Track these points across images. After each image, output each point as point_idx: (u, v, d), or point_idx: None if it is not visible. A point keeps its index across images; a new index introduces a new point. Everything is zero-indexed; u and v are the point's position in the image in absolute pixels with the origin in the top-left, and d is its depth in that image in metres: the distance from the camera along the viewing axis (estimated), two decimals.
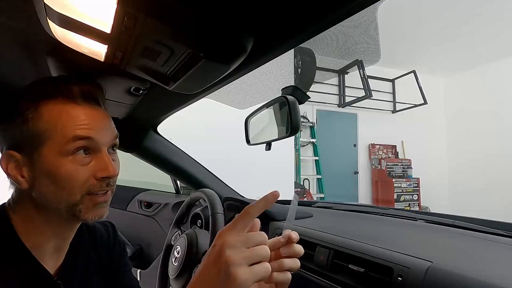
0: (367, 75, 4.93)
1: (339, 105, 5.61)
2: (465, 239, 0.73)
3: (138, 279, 1.58)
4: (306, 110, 5.34)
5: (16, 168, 0.48)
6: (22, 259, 0.49)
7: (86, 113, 0.49)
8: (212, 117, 3.40)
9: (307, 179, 5.22)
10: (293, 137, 3.52)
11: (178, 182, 1.71)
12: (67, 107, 0.48)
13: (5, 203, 0.53)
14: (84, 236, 0.62)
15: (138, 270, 1.60)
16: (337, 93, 5.60)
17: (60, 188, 0.47)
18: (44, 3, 0.34)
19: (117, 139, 0.54)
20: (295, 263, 0.45)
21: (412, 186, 5.59)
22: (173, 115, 0.93)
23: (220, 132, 3.39)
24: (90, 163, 0.48)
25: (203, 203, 1.20)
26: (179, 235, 1.03)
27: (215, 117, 3.42)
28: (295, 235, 0.46)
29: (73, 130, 0.47)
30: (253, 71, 0.52)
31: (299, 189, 4.57)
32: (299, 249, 0.46)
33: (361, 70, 4.90)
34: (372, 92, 4.92)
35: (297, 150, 5.00)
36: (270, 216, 0.96)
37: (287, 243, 0.45)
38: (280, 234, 0.48)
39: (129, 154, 1.10)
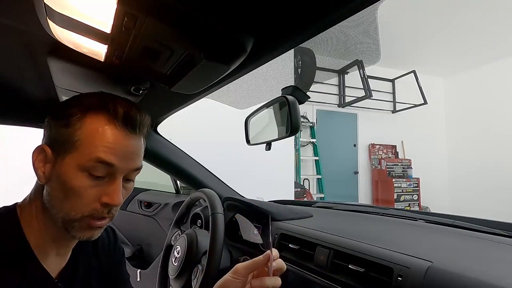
0: (367, 75, 4.92)
1: (339, 105, 5.60)
2: (465, 239, 0.73)
3: (138, 279, 1.58)
4: (306, 110, 5.34)
5: (42, 161, 0.50)
6: (25, 258, 0.49)
7: (118, 138, 0.49)
8: (212, 117, 3.40)
9: (307, 179, 5.22)
10: (293, 137, 3.52)
11: (178, 182, 1.72)
12: (106, 127, 0.48)
13: (17, 202, 0.54)
14: (87, 242, 0.62)
15: (138, 270, 1.60)
16: (337, 93, 5.60)
17: (65, 198, 0.48)
18: (44, 3, 0.34)
19: (138, 171, 0.53)
20: (276, 281, 0.48)
21: (412, 186, 5.59)
22: (173, 115, 0.93)
23: (220, 132, 3.39)
24: (100, 186, 0.48)
25: (203, 203, 1.20)
26: (179, 235, 1.03)
27: (215, 117, 3.42)
28: (275, 253, 0.49)
29: (99, 151, 0.47)
30: (253, 71, 0.52)
31: (299, 189, 4.57)
32: (282, 264, 0.50)
33: (361, 70, 4.90)
34: (372, 92, 4.92)
35: (297, 150, 5.00)
36: (270, 216, 0.96)
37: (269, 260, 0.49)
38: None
39: None
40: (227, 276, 0.54)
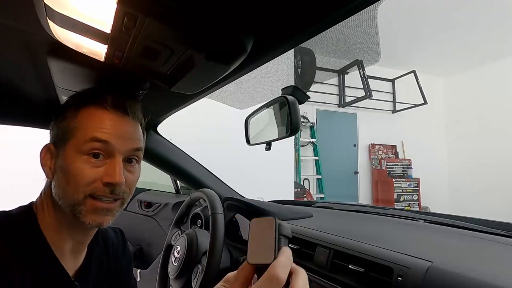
0: (367, 75, 4.92)
1: (339, 105, 5.61)
2: (465, 239, 0.73)
3: (138, 279, 1.58)
4: (306, 110, 5.34)
5: (49, 159, 0.53)
6: (44, 256, 0.50)
7: (111, 119, 0.51)
8: (212, 118, 3.40)
9: (307, 179, 5.22)
10: (293, 137, 3.52)
11: (178, 182, 1.72)
12: (98, 112, 0.51)
13: (32, 201, 0.55)
14: (99, 242, 0.63)
15: (138, 270, 1.60)
16: (337, 93, 5.60)
17: (68, 183, 0.49)
18: (44, 3, 0.34)
19: (139, 152, 0.54)
20: None
21: (412, 186, 5.59)
22: (173, 115, 0.93)
23: (220, 133, 3.39)
24: (101, 167, 0.50)
25: (203, 203, 1.20)
26: (179, 235, 1.03)
27: (215, 117, 3.42)
28: None
29: (93, 131, 0.49)
30: (253, 71, 0.52)
31: (299, 189, 4.57)
32: None
33: (361, 70, 4.90)
34: (372, 92, 4.92)
35: (297, 150, 5.00)
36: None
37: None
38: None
39: None
40: (219, 285, 0.54)
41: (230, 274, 0.52)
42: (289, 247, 0.77)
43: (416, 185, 5.63)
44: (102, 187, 0.49)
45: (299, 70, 4.50)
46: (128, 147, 0.52)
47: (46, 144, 0.54)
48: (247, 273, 0.35)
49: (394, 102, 6.00)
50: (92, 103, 0.52)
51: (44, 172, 0.52)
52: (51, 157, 0.52)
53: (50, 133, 0.55)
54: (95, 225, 0.51)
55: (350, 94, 5.44)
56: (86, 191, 0.49)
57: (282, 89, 0.70)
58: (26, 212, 0.52)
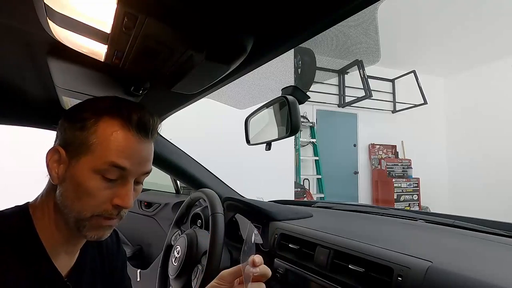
0: (367, 75, 4.92)
1: (339, 105, 5.61)
2: (465, 239, 0.73)
3: (138, 279, 1.58)
4: (306, 110, 5.34)
5: (56, 162, 0.51)
6: (38, 257, 0.50)
7: (132, 144, 0.50)
8: (212, 118, 3.40)
9: (307, 179, 5.22)
10: (293, 137, 3.52)
11: (178, 182, 1.72)
12: (120, 132, 0.49)
13: (29, 201, 0.55)
14: (92, 242, 0.63)
15: (138, 270, 1.60)
16: (337, 93, 5.60)
17: (78, 198, 0.49)
18: (44, 3, 0.34)
19: (147, 174, 0.55)
20: (259, 286, 0.47)
21: (412, 186, 5.59)
22: (173, 115, 0.93)
23: (220, 133, 3.39)
24: (112, 188, 0.50)
25: (203, 203, 1.20)
26: (179, 235, 1.03)
27: (215, 117, 3.42)
28: (258, 259, 0.48)
29: (113, 156, 0.48)
30: (253, 71, 0.52)
31: (299, 189, 4.57)
32: (266, 270, 0.48)
33: (361, 70, 4.90)
34: (372, 92, 4.92)
35: (297, 150, 5.00)
36: (270, 216, 0.96)
37: (253, 266, 0.47)
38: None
39: None
40: (213, 282, 0.54)
41: (225, 272, 0.52)
42: (289, 247, 0.76)
43: (416, 185, 5.63)
44: (111, 209, 0.50)
45: (299, 70, 4.50)
46: (141, 171, 0.52)
47: (55, 147, 0.51)
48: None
49: (394, 102, 6.00)
50: (115, 117, 0.50)
51: (50, 175, 0.51)
52: (60, 162, 0.50)
53: (59, 134, 0.53)
54: (96, 239, 0.52)
55: (350, 94, 5.44)
56: (95, 211, 0.49)
57: (282, 89, 0.70)
58: (21, 212, 0.52)
